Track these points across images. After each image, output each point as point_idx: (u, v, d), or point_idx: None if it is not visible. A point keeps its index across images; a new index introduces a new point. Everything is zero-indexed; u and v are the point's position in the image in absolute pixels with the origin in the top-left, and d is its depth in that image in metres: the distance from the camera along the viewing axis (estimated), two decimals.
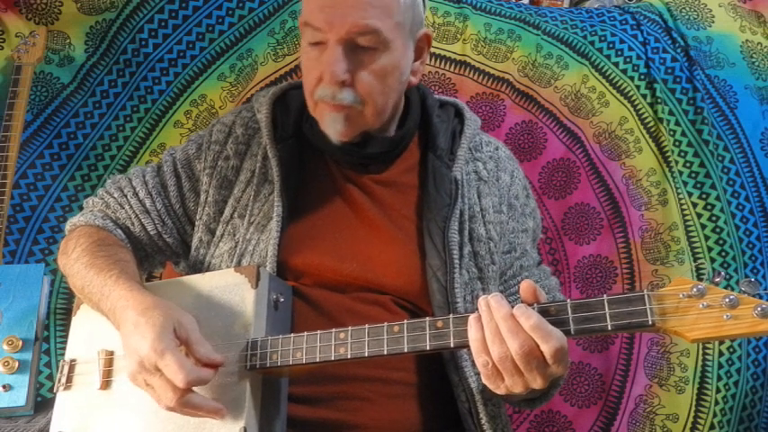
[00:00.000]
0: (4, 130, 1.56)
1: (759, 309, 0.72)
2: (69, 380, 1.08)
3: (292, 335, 0.95)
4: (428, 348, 0.88)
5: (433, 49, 1.79)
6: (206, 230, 1.17)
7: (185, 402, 0.89)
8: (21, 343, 1.28)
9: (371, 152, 1.16)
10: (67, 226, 1.21)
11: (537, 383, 0.84)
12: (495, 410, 1.08)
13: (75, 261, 1.10)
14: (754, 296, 0.73)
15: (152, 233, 1.19)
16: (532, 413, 1.74)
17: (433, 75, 1.79)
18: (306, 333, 0.94)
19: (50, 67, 1.70)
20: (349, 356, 0.91)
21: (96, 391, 1.04)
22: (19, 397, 1.24)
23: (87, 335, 1.10)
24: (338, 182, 1.17)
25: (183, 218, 1.21)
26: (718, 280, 0.76)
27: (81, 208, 1.25)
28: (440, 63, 1.79)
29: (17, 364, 1.26)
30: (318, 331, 0.94)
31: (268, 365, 0.95)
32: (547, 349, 0.80)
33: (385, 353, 0.89)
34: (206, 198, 1.18)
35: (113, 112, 1.73)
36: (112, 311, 0.99)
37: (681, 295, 0.76)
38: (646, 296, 0.78)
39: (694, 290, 0.75)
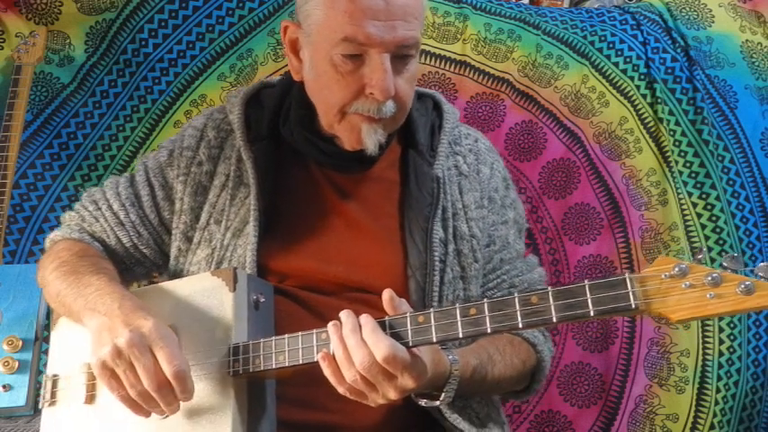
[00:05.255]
0: (4, 130, 1.56)
1: (743, 286, 0.69)
2: (53, 395, 1.07)
3: (273, 338, 0.94)
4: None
5: (433, 49, 1.79)
6: (183, 239, 1.15)
7: (165, 393, 0.89)
8: (21, 343, 1.28)
9: (359, 152, 1.13)
10: (47, 242, 1.20)
11: (392, 395, 0.87)
12: (462, 402, 1.08)
13: (54, 270, 1.09)
14: (737, 272, 0.71)
15: (128, 245, 1.18)
16: (532, 413, 1.74)
17: (433, 75, 1.79)
18: (287, 335, 0.93)
19: (50, 67, 1.70)
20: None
21: (81, 405, 1.02)
22: (19, 397, 1.25)
23: (68, 349, 1.09)
24: (319, 182, 1.15)
25: (159, 227, 1.19)
26: (700, 257, 0.73)
27: None
28: (440, 63, 1.79)
29: (17, 364, 1.27)
30: (299, 333, 0.92)
31: (251, 371, 0.94)
32: (379, 357, 0.83)
33: None
34: (181, 206, 1.16)
35: (113, 112, 1.73)
36: (91, 305, 0.98)
37: (663, 276, 0.74)
38: (627, 279, 0.75)
39: (676, 269, 0.73)
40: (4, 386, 1.24)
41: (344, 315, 0.88)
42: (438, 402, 0.96)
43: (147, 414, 0.93)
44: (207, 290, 1.00)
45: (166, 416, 0.93)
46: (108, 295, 0.98)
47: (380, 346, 0.84)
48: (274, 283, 1.07)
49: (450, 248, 1.12)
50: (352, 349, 0.86)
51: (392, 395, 0.88)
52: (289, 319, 1.04)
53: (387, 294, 0.89)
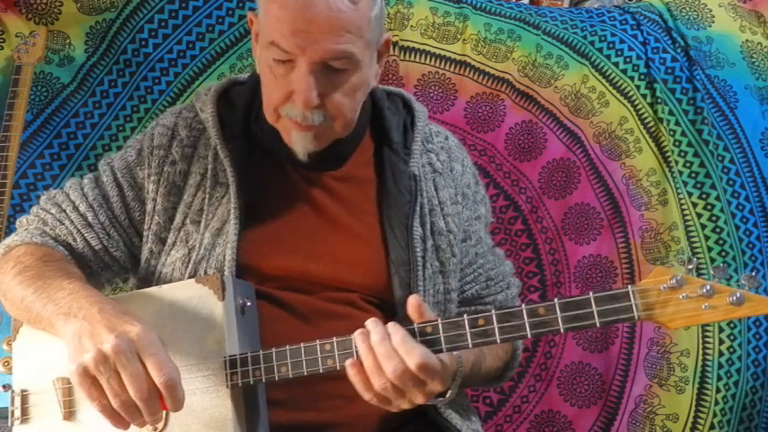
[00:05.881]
0: (4, 130, 1.56)
1: (734, 297, 0.78)
2: (25, 412, 1.02)
3: (274, 349, 0.93)
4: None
5: (432, 49, 1.79)
6: (156, 240, 1.12)
7: (151, 404, 0.86)
8: None
9: (328, 151, 1.12)
10: (1, 249, 1.11)
11: (419, 400, 0.89)
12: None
13: (16, 275, 1.03)
14: (724, 281, 0.79)
15: (97, 248, 1.12)
16: (532, 413, 1.74)
17: (433, 75, 1.79)
18: (288, 346, 0.92)
19: (50, 67, 1.70)
20: (338, 368, 0.91)
21: (60, 422, 0.98)
22: None
23: (34, 361, 1.04)
24: (295, 181, 1.14)
25: (129, 229, 1.14)
26: (691, 267, 0.80)
27: None
28: (440, 63, 1.79)
29: None
30: (302, 344, 0.92)
31: (252, 383, 0.93)
32: (413, 365, 0.85)
33: None
34: (154, 207, 1.12)
35: (113, 112, 1.73)
36: (65, 309, 0.93)
37: (661, 287, 0.81)
38: (630, 292, 0.82)
39: (673, 281, 0.80)
40: (4, 386, 1.24)
41: (372, 323, 0.89)
42: (443, 399, 0.97)
43: (127, 426, 0.89)
44: (193, 298, 0.96)
45: (157, 429, 0.92)
46: (84, 299, 0.93)
47: (414, 353, 0.85)
48: (256, 286, 1.06)
49: (429, 244, 1.13)
50: (382, 358, 0.86)
51: (419, 400, 0.89)
52: (272, 324, 1.04)
53: (414, 300, 0.91)
